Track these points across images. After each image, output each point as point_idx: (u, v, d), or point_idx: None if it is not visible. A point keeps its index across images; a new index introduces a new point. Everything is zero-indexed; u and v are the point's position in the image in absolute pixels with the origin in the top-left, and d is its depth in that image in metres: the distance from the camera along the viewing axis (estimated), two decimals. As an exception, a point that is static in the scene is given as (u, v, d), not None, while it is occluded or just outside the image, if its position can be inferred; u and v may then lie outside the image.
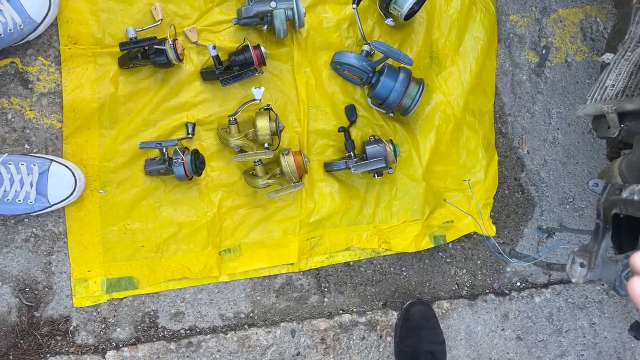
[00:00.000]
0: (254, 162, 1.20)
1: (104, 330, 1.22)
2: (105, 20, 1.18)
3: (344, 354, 1.33)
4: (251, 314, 1.30)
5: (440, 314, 1.39)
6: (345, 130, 1.28)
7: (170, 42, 1.13)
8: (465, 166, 1.41)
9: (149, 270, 1.22)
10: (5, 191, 1.08)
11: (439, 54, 1.38)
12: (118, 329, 1.22)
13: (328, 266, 1.34)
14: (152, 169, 1.17)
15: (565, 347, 1.50)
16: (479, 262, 1.46)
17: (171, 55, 1.14)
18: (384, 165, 1.22)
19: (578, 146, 1.52)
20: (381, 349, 1.35)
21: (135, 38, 1.15)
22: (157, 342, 1.23)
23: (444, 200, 1.38)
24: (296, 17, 1.18)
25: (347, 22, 1.31)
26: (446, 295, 1.43)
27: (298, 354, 1.30)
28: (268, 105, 1.21)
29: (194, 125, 1.23)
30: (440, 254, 1.43)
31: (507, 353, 1.45)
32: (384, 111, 1.33)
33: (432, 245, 1.38)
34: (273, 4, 1.14)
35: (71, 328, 1.20)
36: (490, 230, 1.42)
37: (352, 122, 1.32)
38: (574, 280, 0.92)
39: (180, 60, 1.16)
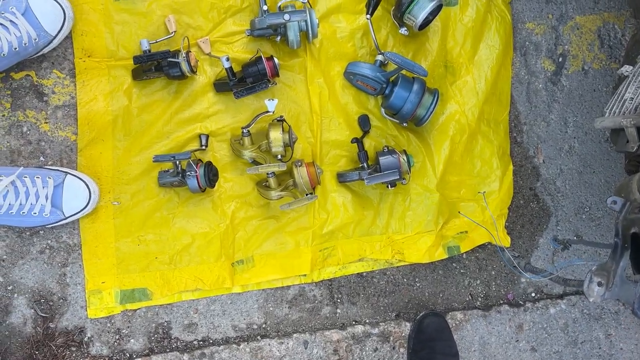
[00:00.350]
0: (267, 174, 1.20)
1: (117, 341, 1.22)
2: (119, 33, 1.18)
3: (357, 365, 1.33)
4: (264, 325, 1.30)
5: (453, 325, 1.38)
6: (358, 142, 1.27)
7: (184, 55, 1.13)
8: (480, 176, 1.40)
9: (163, 281, 1.23)
10: (21, 204, 1.09)
11: (453, 63, 1.36)
12: (132, 340, 1.23)
13: (341, 277, 1.34)
14: (165, 181, 1.18)
15: (580, 359, 1.48)
16: (493, 272, 1.44)
17: (185, 67, 1.14)
18: (398, 177, 1.21)
19: (595, 155, 1.50)
20: (394, 361, 1.35)
21: (149, 50, 1.15)
22: (170, 353, 1.23)
23: (459, 212, 1.37)
24: (309, 28, 1.18)
25: (360, 31, 1.30)
26: (460, 306, 1.42)
27: (311, 365, 1.30)
28: (281, 116, 1.21)
29: (207, 136, 1.23)
30: (454, 264, 1.41)
31: (522, 364, 1.44)
32: (397, 121, 1.32)
33: (446, 256, 1.37)
34: (287, 17, 1.14)
35: (86, 339, 1.21)
36: (504, 241, 1.41)
37: (366, 132, 1.31)
38: (591, 300, 0.91)
39: (193, 72, 1.16)
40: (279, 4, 1.19)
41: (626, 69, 1.11)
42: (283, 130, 1.17)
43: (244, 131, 1.19)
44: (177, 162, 1.16)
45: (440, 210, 1.35)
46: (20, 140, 1.17)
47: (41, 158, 1.18)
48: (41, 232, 1.18)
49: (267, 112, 1.19)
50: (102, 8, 1.17)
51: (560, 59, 1.46)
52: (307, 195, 1.21)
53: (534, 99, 1.45)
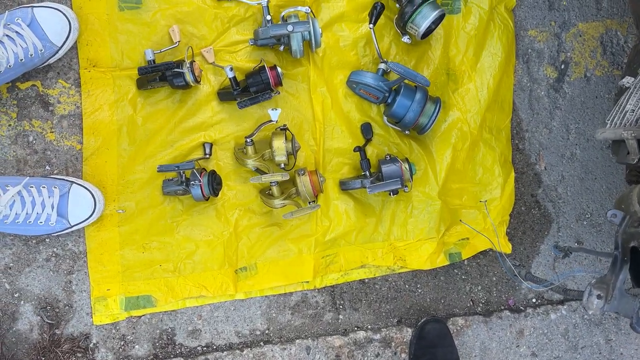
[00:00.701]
0: (270, 183, 1.21)
1: (122, 347, 1.24)
2: (124, 43, 1.19)
3: (359, 371, 1.34)
4: (267, 331, 1.32)
5: (455, 330, 1.39)
6: (360, 150, 1.28)
7: (188, 65, 1.14)
8: (482, 183, 1.40)
9: (167, 288, 1.24)
10: (27, 214, 1.10)
11: (456, 70, 1.37)
12: (136, 346, 1.25)
13: (343, 283, 1.35)
14: (169, 190, 1.19)
15: (580, 364, 1.50)
16: (494, 278, 1.45)
17: (189, 77, 1.14)
18: (400, 185, 1.22)
19: (597, 162, 1.50)
20: (396, 366, 1.37)
21: (154, 60, 1.16)
22: (175, 359, 1.25)
23: (460, 220, 1.38)
24: (313, 38, 1.18)
25: (363, 40, 1.30)
26: (461, 312, 1.43)
27: (313, 370, 1.32)
28: (284, 125, 1.22)
29: (211, 145, 1.24)
30: (455, 270, 1.43)
31: (522, 370, 1.46)
32: (400, 129, 1.32)
33: (447, 263, 1.38)
34: (290, 28, 1.14)
35: (91, 345, 1.23)
36: (506, 247, 1.42)
37: (368, 140, 1.32)
38: (590, 312, 0.92)
39: (197, 82, 1.17)
40: (282, 14, 1.20)
41: (627, 80, 1.11)
42: (286, 139, 1.18)
43: (248, 140, 1.20)
44: (181, 172, 1.17)
45: (442, 217, 1.36)
46: (26, 149, 1.18)
47: (47, 167, 1.19)
48: (47, 240, 1.20)
49: (271, 121, 1.20)
50: (107, 18, 1.18)
51: (563, 66, 1.46)
52: (310, 203, 1.22)
53: (536, 106, 1.45)
